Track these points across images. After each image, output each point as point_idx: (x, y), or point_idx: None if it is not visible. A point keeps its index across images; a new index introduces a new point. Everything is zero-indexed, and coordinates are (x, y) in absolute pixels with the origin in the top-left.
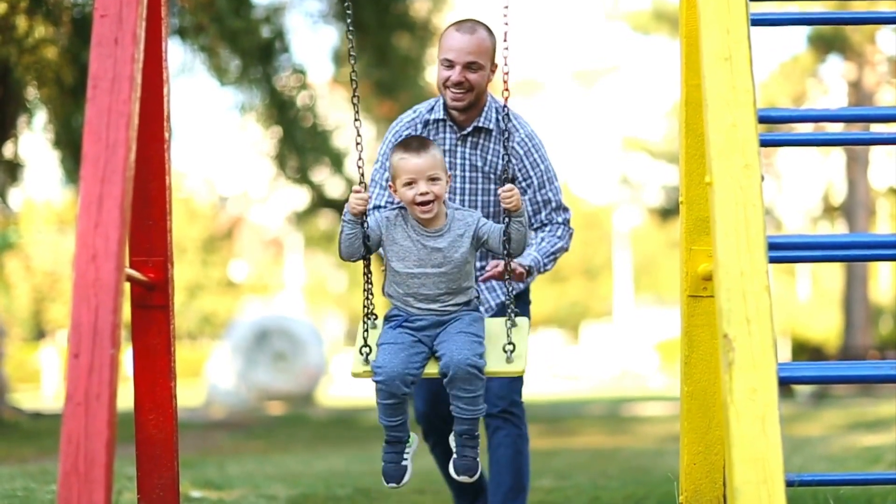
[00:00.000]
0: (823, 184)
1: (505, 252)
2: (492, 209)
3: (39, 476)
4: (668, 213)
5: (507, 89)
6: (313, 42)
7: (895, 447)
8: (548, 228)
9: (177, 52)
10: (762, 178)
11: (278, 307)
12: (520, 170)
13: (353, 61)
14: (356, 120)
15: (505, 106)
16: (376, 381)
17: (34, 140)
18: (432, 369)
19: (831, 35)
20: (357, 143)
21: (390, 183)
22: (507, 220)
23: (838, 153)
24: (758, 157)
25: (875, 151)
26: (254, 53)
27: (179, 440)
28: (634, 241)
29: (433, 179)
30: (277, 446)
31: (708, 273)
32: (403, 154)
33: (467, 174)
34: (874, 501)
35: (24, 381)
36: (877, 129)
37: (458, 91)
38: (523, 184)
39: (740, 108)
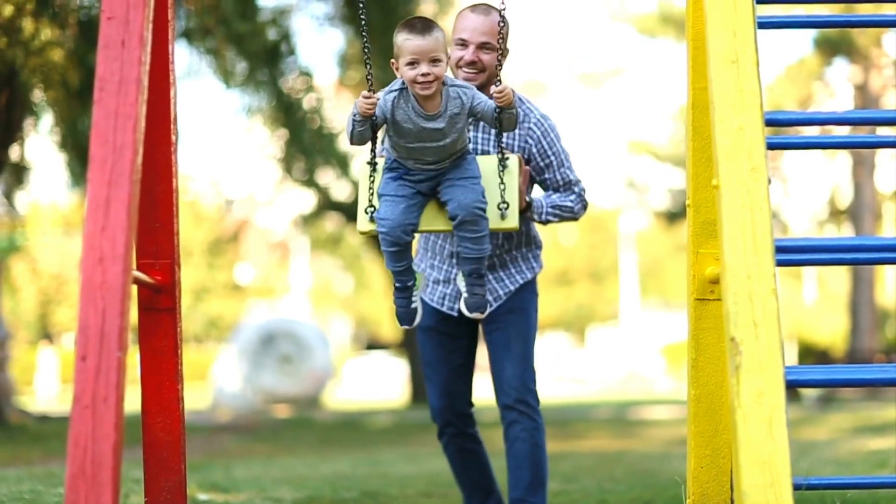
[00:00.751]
0: (829, 187)
1: (497, 125)
2: None
3: (46, 479)
4: (674, 216)
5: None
6: (320, 45)
7: None
8: (563, 192)
9: (183, 55)
10: (769, 182)
11: (284, 310)
12: (539, 151)
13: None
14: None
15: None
16: (380, 231)
17: (40, 143)
18: (435, 225)
19: (837, 38)
20: (363, 37)
21: (393, 61)
22: (498, 109)
23: (844, 156)
24: (765, 160)
25: (881, 155)
26: (260, 56)
27: (186, 443)
28: (640, 245)
29: (435, 61)
30: (284, 449)
31: (715, 276)
32: (408, 35)
33: (479, 153)
34: None
35: (31, 384)
36: (883, 132)
37: (470, 70)
38: (542, 163)
39: (747, 111)
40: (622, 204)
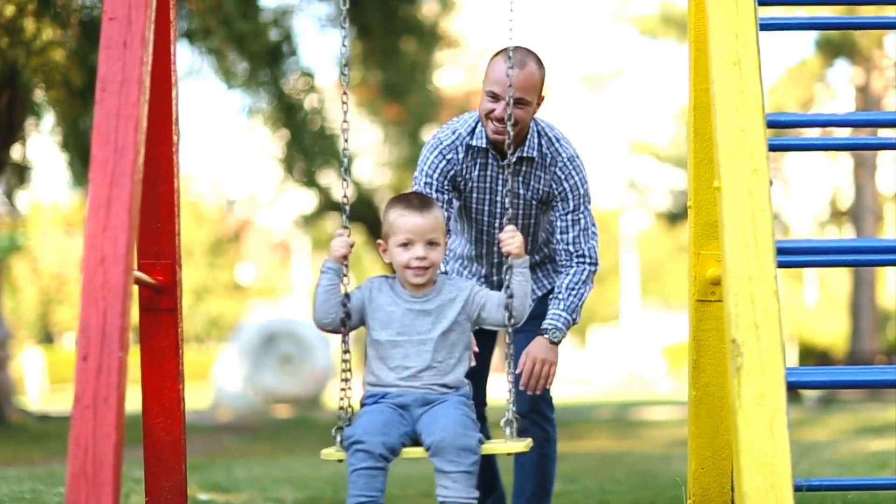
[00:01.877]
0: (831, 188)
1: (508, 317)
2: (531, 230)
3: (47, 478)
4: (675, 217)
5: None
6: (321, 45)
7: None
8: (573, 271)
9: (184, 55)
10: (771, 183)
11: (285, 310)
12: (559, 192)
13: (345, 71)
14: (344, 152)
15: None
16: (353, 444)
17: (42, 143)
18: (415, 453)
19: (839, 40)
20: (343, 181)
21: (380, 242)
22: (508, 268)
23: (846, 158)
24: (766, 161)
25: (883, 156)
26: (261, 56)
27: (187, 443)
28: (642, 245)
29: (432, 244)
30: (284, 449)
31: (716, 277)
32: (403, 210)
33: (510, 200)
34: None
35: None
36: (884, 133)
37: (501, 125)
38: (559, 204)
39: (749, 112)
40: (623, 205)
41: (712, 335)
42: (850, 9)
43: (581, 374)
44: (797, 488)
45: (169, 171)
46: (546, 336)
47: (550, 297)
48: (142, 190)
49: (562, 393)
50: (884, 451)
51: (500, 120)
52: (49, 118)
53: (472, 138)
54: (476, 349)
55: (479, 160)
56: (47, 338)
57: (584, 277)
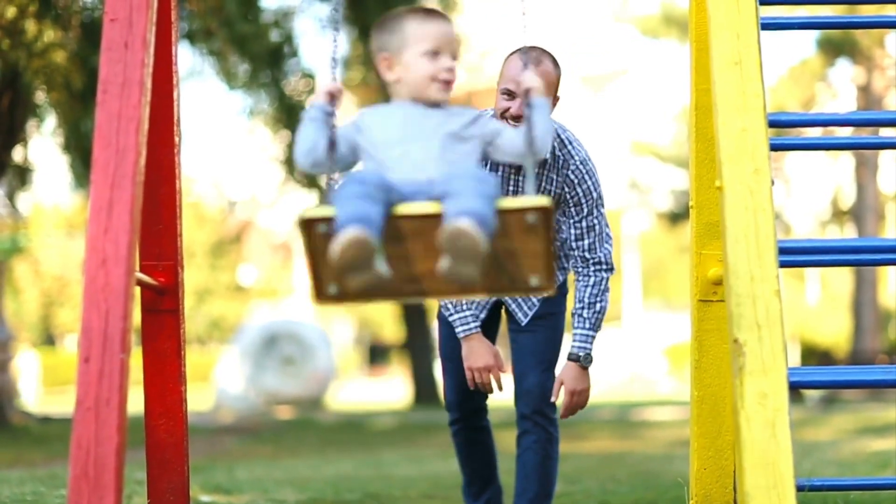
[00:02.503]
0: (832, 188)
1: (529, 145)
2: None
3: (48, 480)
4: (677, 217)
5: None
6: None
7: None
8: (592, 281)
9: (186, 57)
10: (772, 183)
11: (287, 312)
12: (571, 196)
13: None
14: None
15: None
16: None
17: (44, 144)
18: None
19: (840, 39)
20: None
21: (385, 56)
22: (527, 106)
23: (847, 157)
24: (767, 161)
25: (884, 156)
26: (263, 58)
27: (189, 444)
28: (643, 246)
29: (455, 59)
30: (286, 451)
31: (718, 277)
32: (427, 18)
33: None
34: None
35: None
36: (886, 133)
37: (516, 124)
38: (573, 209)
39: (750, 112)
40: (625, 205)
41: (714, 335)
42: (852, 8)
43: None
44: (799, 488)
45: (170, 173)
46: (579, 363)
47: (573, 312)
48: (143, 191)
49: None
50: (885, 450)
51: (516, 118)
52: (50, 120)
53: None
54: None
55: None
56: (49, 340)
57: (602, 287)
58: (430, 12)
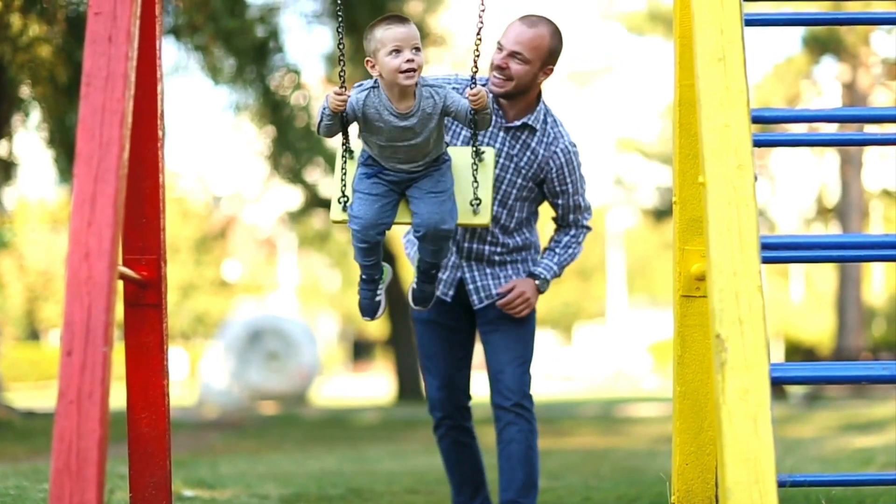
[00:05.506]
0: (817, 185)
1: (471, 122)
2: (511, 201)
3: (32, 475)
4: (661, 213)
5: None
6: (307, 42)
7: (887, 448)
8: (572, 232)
9: (171, 52)
10: (755, 179)
11: (271, 307)
12: (558, 177)
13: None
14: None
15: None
16: (353, 229)
17: (29, 139)
18: (405, 218)
19: (826, 36)
20: (339, 34)
21: (368, 60)
22: (472, 111)
23: (832, 154)
24: (751, 157)
25: (869, 153)
26: (248, 53)
27: (172, 439)
28: (628, 242)
29: (416, 49)
30: (270, 446)
31: (701, 273)
32: (388, 25)
33: (501, 161)
34: (866, 502)
35: (17, 379)
36: (871, 129)
37: (498, 76)
38: (558, 188)
39: (734, 108)
40: (610, 201)
41: (697, 331)
42: (837, 4)
43: (567, 370)
44: (781, 484)
45: (154, 167)
46: (536, 282)
47: (547, 246)
48: (127, 185)
49: (547, 390)
50: (868, 447)
51: (498, 69)
52: (35, 114)
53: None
54: None
55: None
56: (33, 335)
57: (580, 238)
58: (392, 19)
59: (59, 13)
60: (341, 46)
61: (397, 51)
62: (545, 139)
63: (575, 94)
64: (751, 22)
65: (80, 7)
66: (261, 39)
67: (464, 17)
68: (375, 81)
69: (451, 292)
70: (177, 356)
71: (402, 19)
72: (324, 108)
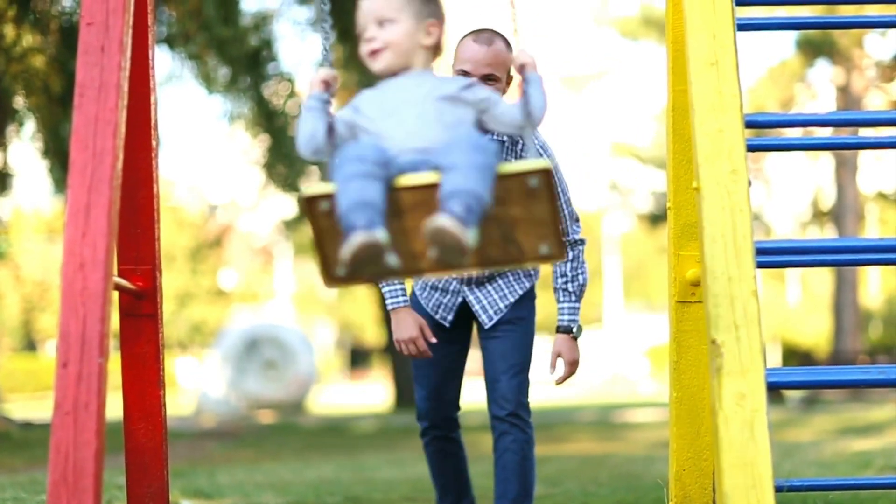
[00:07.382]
0: (812, 189)
1: (526, 114)
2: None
3: (29, 486)
4: (657, 218)
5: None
6: (301, 50)
7: (885, 452)
8: (571, 256)
9: (165, 61)
10: (749, 183)
11: (268, 315)
12: None
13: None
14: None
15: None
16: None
17: (23, 149)
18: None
19: (819, 40)
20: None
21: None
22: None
23: (827, 158)
24: (745, 162)
25: (864, 156)
26: (242, 62)
27: (169, 449)
28: (624, 247)
29: (382, 22)
30: (267, 455)
31: (696, 278)
32: (358, 10)
33: None
34: None
35: (14, 390)
36: (865, 133)
37: None
38: None
39: (727, 112)
40: (605, 206)
41: (692, 336)
42: (830, 8)
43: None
44: (778, 489)
45: (148, 177)
46: (571, 335)
47: (555, 288)
48: (121, 195)
49: (544, 395)
50: (866, 451)
51: None
52: (30, 125)
53: None
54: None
55: None
56: (30, 345)
57: (580, 259)
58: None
59: (52, 23)
60: (325, 27)
61: (363, 32)
62: (514, 148)
63: (569, 99)
64: (743, 27)
65: (74, 17)
66: (254, 48)
67: (457, 24)
68: None
69: (450, 317)
70: (186, 365)
71: None
72: (306, 97)
